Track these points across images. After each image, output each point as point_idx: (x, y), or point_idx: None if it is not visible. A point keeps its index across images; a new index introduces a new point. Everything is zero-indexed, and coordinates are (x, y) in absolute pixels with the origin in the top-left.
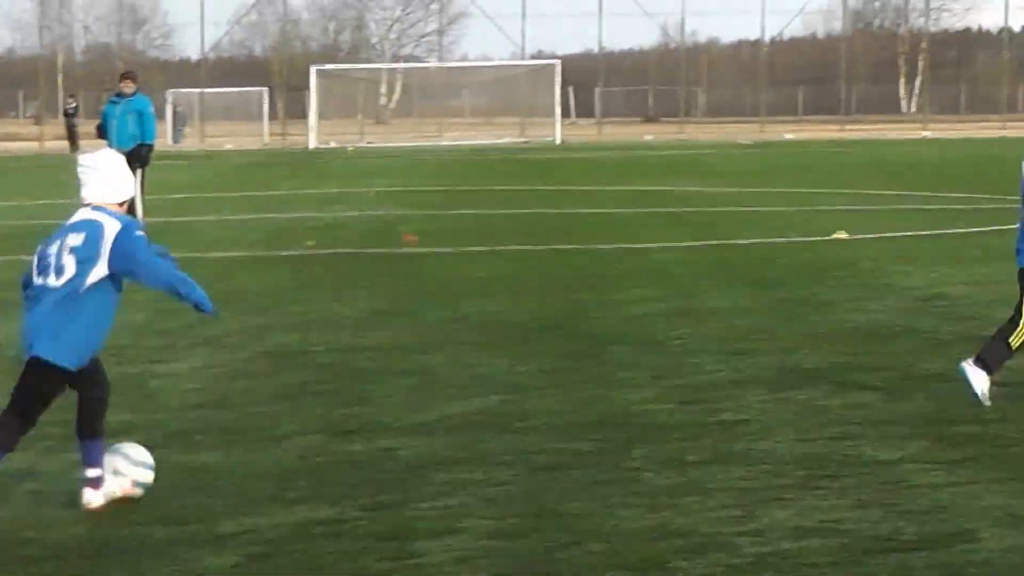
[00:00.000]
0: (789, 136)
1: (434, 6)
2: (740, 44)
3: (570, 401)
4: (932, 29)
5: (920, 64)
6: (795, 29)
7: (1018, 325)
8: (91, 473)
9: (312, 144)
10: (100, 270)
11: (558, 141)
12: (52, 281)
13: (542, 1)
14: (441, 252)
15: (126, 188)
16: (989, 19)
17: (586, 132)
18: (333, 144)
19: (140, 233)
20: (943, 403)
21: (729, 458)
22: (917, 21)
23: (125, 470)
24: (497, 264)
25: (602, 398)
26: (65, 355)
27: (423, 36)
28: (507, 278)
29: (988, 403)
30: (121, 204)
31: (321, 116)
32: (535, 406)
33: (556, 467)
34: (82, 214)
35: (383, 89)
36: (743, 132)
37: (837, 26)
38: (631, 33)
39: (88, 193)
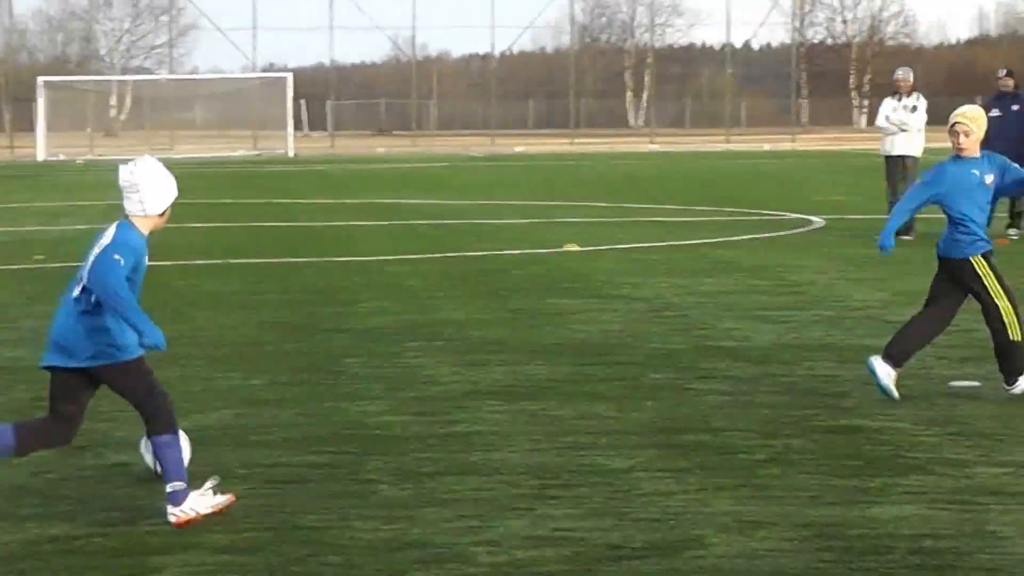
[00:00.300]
0: (520, 149)
1: (164, 18)
2: (471, 58)
3: (305, 414)
4: (657, 44)
5: (646, 79)
6: (524, 44)
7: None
8: (169, 487)
9: (41, 156)
10: None
11: (291, 154)
12: (72, 292)
13: (273, 14)
14: (174, 266)
15: (164, 198)
16: (712, 35)
17: (319, 145)
18: (62, 156)
19: (117, 257)
20: (672, 412)
21: (464, 469)
22: (643, 36)
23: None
24: (231, 278)
25: (337, 411)
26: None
27: (153, 48)
28: (241, 292)
29: None
30: (162, 214)
31: (50, 128)
32: (270, 419)
33: (292, 480)
34: (112, 225)
35: (113, 101)
36: (475, 145)
37: (566, 40)
38: (362, 46)
39: (126, 205)
